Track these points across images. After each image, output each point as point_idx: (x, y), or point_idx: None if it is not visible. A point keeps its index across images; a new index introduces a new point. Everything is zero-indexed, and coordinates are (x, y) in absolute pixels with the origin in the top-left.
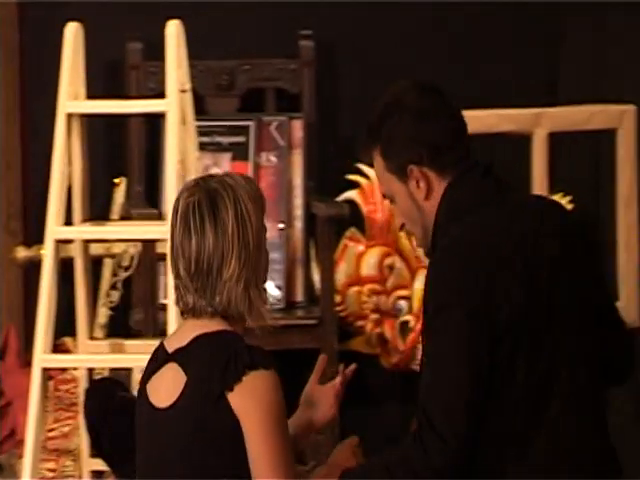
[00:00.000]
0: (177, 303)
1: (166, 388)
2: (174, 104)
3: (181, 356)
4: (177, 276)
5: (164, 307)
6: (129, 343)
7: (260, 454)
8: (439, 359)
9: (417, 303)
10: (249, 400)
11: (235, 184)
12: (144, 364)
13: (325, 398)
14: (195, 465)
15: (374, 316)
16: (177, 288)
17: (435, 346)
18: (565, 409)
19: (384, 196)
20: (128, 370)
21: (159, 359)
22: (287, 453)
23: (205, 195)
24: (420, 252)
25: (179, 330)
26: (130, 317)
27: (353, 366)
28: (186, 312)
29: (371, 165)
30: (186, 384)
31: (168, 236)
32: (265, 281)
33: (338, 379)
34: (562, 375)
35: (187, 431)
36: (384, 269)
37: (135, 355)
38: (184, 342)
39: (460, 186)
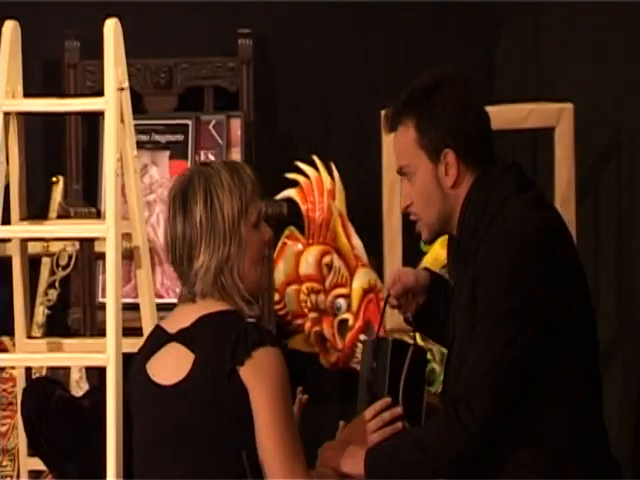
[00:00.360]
0: None
1: (171, 366)
2: (112, 103)
3: (185, 336)
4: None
5: (102, 306)
6: (67, 342)
7: (268, 424)
8: (489, 342)
9: (355, 301)
10: (258, 374)
11: (213, 173)
12: (82, 363)
13: None
14: (206, 437)
15: (313, 315)
16: None
17: (486, 331)
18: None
19: (400, 170)
20: (66, 369)
21: (159, 340)
22: (292, 422)
23: (180, 187)
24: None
25: (178, 313)
26: (68, 316)
27: (306, 397)
28: (179, 297)
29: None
30: (195, 361)
31: (108, 235)
32: (254, 267)
33: (295, 409)
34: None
35: (200, 406)
36: (323, 268)
37: (73, 354)
38: (187, 323)
39: (486, 184)
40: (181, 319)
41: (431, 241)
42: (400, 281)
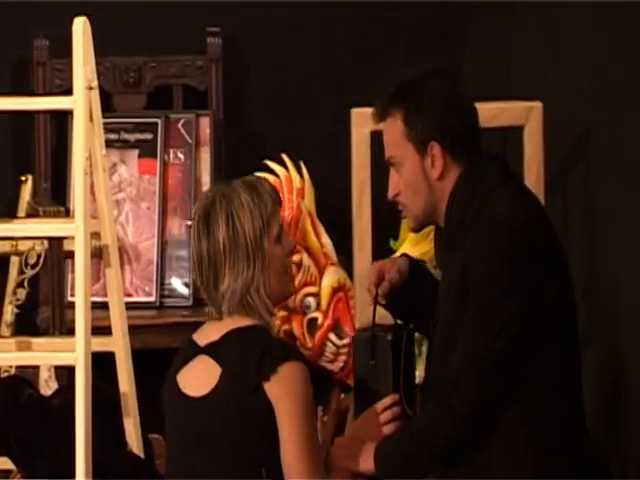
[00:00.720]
0: None
1: (200, 379)
2: (81, 101)
3: (214, 349)
4: None
5: (71, 305)
6: (36, 341)
7: (291, 439)
8: (477, 332)
9: (325, 300)
10: (283, 388)
11: (233, 196)
12: (51, 362)
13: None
14: (233, 450)
15: (282, 313)
16: None
17: (474, 319)
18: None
19: (388, 160)
20: (35, 368)
21: (189, 352)
22: (315, 438)
23: (202, 209)
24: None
25: (210, 326)
26: (37, 315)
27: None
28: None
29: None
30: (222, 375)
31: (77, 233)
32: (279, 278)
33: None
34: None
35: (227, 419)
36: (292, 266)
37: (42, 353)
38: (217, 336)
39: (472, 176)
40: (211, 333)
41: (417, 230)
42: (385, 279)
